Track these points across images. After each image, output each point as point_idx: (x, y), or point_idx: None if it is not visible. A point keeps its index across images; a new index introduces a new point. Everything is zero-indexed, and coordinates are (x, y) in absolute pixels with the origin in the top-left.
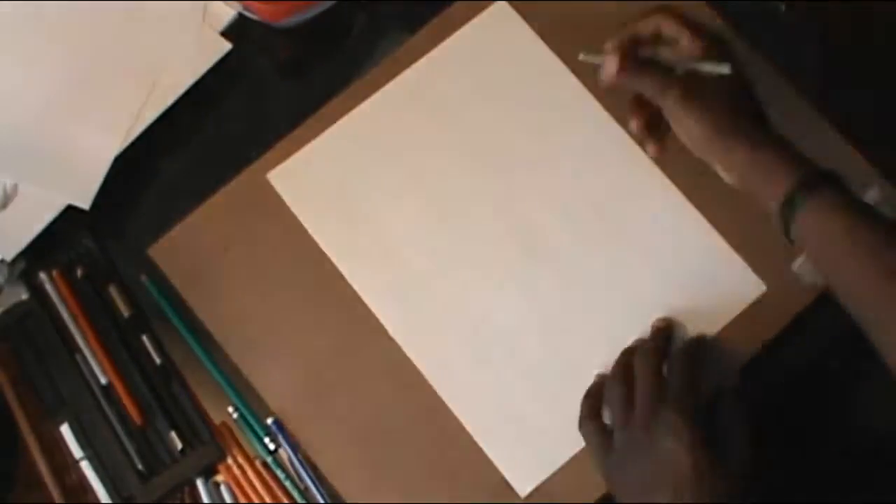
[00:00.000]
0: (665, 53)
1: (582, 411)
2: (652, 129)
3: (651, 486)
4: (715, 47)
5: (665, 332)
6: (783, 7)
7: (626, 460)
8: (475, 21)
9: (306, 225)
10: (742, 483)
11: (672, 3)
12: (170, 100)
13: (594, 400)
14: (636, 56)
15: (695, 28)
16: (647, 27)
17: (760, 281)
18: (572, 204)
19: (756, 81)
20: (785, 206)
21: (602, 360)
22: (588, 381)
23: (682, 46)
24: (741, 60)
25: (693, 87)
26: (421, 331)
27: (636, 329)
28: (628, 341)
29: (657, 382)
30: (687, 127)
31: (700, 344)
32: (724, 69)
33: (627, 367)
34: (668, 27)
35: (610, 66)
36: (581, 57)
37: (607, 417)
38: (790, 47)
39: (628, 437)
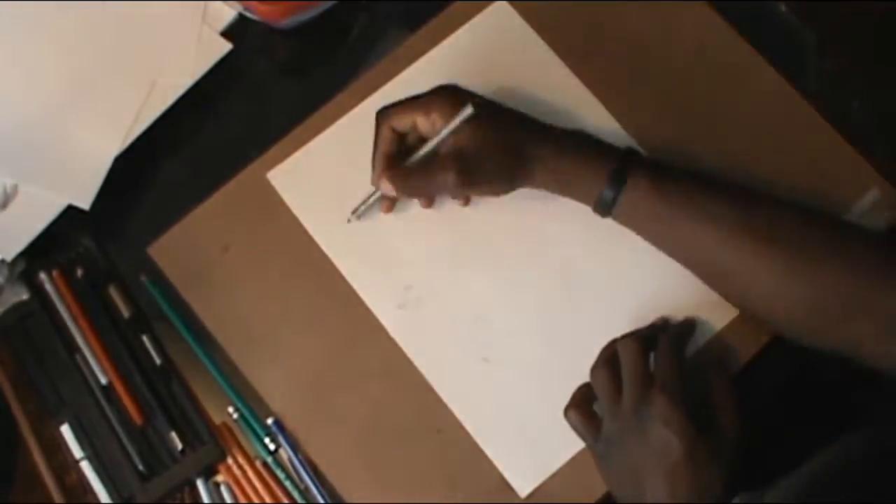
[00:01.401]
0: (418, 139)
1: (570, 401)
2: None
3: (643, 473)
4: (447, 100)
5: (655, 325)
6: (783, 7)
7: (615, 447)
8: (475, 20)
9: (306, 224)
10: (734, 466)
11: (387, 106)
12: (170, 100)
13: (583, 390)
14: (407, 169)
15: (417, 107)
16: (387, 142)
17: None
18: (572, 203)
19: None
20: (598, 204)
21: None
22: (586, 379)
23: (422, 128)
24: (480, 97)
25: (461, 160)
26: (421, 331)
27: (636, 327)
28: None
29: (643, 367)
30: (482, 192)
31: (686, 327)
32: (468, 110)
33: (612, 354)
34: (398, 124)
35: (386, 186)
36: (350, 220)
37: (597, 407)
38: (790, 47)
39: (617, 425)
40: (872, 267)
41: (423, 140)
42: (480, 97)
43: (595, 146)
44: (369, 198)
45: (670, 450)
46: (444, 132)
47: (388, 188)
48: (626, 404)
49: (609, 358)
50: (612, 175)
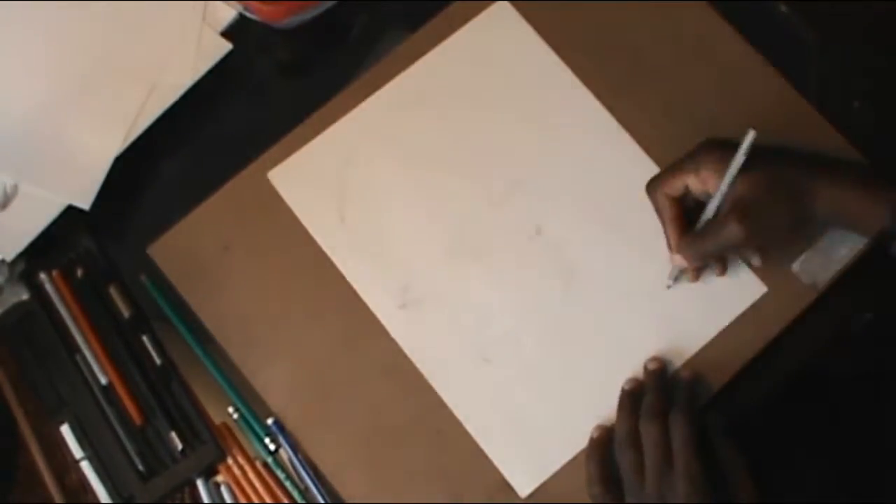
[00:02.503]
0: (700, 193)
1: (589, 473)
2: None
3: None
4: (713, 160)
5: (660, 376)
6: (783, 7)
7: None
8: (476, 20)
9: (306, 224)
10: None
11: (654, 177)
12: (170, 100)
13: (600, 460)
14: (695, 236)
15: (685, 168)
16: (667, 210)
17: (761, 282)
18: (573, 203)
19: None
20: (884, 238)
21: (602, 359)
22: (588, 381)
23: (694, 188)
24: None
25: (745, 212)
26: (421, 331)
27: (636, 327)
28: (627, 340)
29: (665, 449)
30: (772, 241)
31: (694, 392)
32: (751, 135)
33: (636, 432)
34: (671, 190)
35: (680, 263)
36: (669, 286)
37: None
38: (790, 47)
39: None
40: None
41: (698, 202)
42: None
43: (870, 176)
44: (674, 269)
45: None
46: (728, 177)
47: (680, 261)
48: (649, 488)
49: (633, 433)
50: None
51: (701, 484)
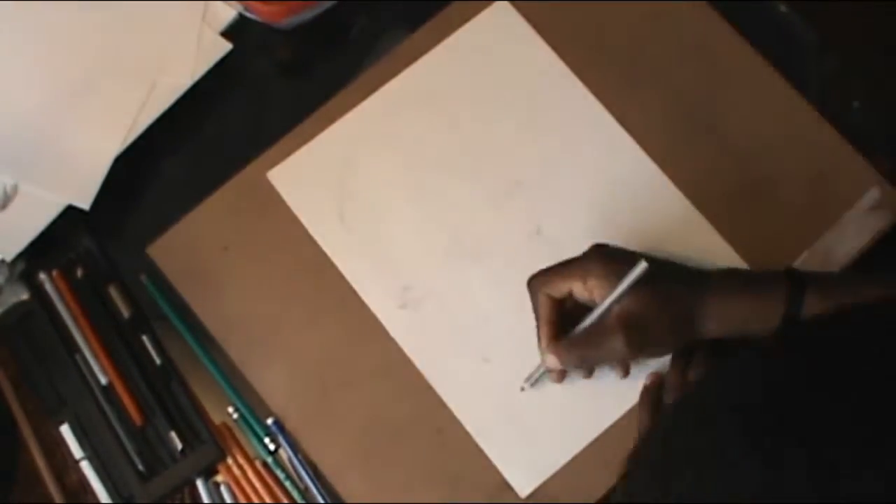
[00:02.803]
0: (583, 300)
1: (641, 421)
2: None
3: None
4: (603, 269)
5: (683, 371)
6: (783, 7)
7: None
8: (475, 20)
9: (306, 224)
10: None
11: (538, 273)
12: (170, 100)
13: (651, 408)
14: (572, 340)
15: (572, 272)
16: (546, 310)
17: None
18: (572, 202)
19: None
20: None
21: None
22: (589, 381)
23: (578, 294)
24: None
25: (630, 325)
26: (421, 331)
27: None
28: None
29: None
30: (654, 356)
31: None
32: (641, 266)
33: (654, 423)
34: (553, 291)
35: (551, 360)
36: (523, 388)
37: None
38: (790, 47)
39: None
40: None
41: (580, 305)
42: (633, 253)
43: (757, 283)
44: (538, 369)
45: None
46: (613, 297)
47: (553, 362)
48: None
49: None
50: (788, 305)
51: None
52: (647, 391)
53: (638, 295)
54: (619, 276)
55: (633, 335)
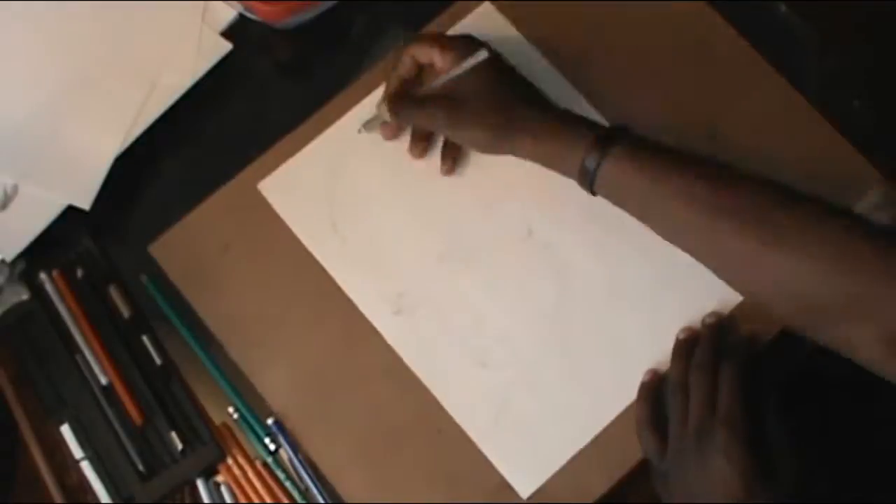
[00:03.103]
0: (430, 79)
1: (639, 414)
2: (443, 151)
3: (698, 499)
4: (467, 46)
5: (716, 329)
6: (783, 7)
7: (676, 469)
8: (463, 22)
9: (298, 234)
10: (788, 500)
11: (416, 34)
12: (170, 100)
13: (650, 400)
14: (408, 96)
15: (440, 42)
16: (405, 67)
17: None
18: (563, 203)
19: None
20: (581, 175)
21: (600, 358)
22: (586, 379)
23: (438, 65)
24: (495, 51)
25: (456, 103)
26: (417, 337)
27: (635, 325)
28: (624, 339)
29: (710, 397)
30: (466, 140)
31: (750, 352)
32: (482, 54)
33: (686, 379)
34: (420, 54)
35: (383, 109)
36: (360, 131)
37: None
38: (790, 47)
39: (680, 449)
40: (875, 267)
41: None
42: (499, 54)
43: (582, 121)
44: (374, 116)
45: (729, 484)
46: (455, 71)
47: (384, 110)
48: (689, 432)
49: (684, 379)
50: (593, 145)
51: (740, 436)
52: (645, 387)
53: (474, 79)
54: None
55: (454, 108)
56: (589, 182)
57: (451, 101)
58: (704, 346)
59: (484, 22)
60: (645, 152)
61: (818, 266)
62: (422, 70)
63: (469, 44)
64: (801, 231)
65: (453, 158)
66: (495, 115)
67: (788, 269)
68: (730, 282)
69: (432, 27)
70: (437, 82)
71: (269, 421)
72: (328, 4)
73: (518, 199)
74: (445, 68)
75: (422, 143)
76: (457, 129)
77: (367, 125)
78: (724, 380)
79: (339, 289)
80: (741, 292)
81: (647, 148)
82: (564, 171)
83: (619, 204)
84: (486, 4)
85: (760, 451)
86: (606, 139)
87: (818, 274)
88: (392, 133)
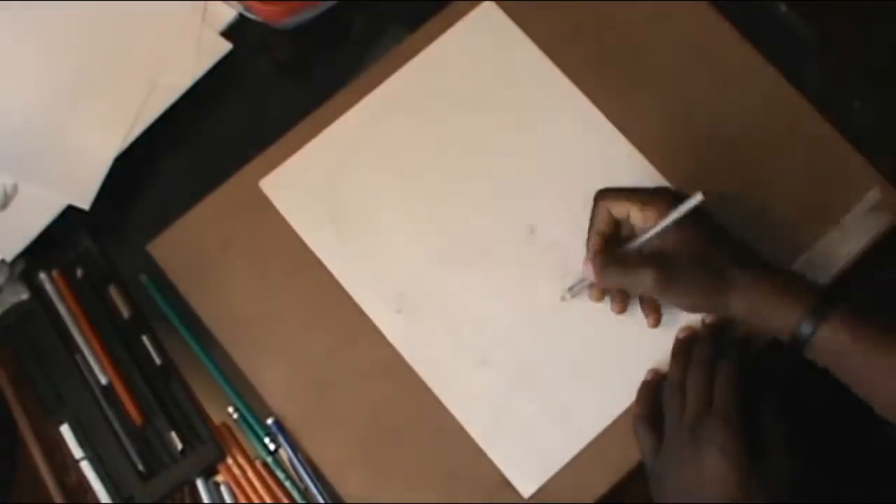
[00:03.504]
0: (637, 228)
1: (636, 409)
2: (644, 306)
3: (693, 496)
4: (667, 199)
5: (715, 328)
6: (783, 7)
7: (670, 465)
8: (464, 21)
9: (300, 232)
10: (782, 500)
11: (610, 189)
12: (170, 100)
13: (648, 398)
14: (612, 256)
15: (639, 198)
16: (603, 222)
17: None
18: (565, 201)
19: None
20: (795, 341)
21: (601, 357)
22: (588, 378)
23: (636, 221)
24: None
25: (663, 266)
26: (418, 336)
27: (634, 325)
28: (626, 338)
29: (706, 394)
30: (675, 302)
31: (748, 351)
32: (698, 196)
33: (684, 376)
34: (615, 209)
35: (587, 274)
36: (564, 298)
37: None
38: (790, 47)
39: (676, 441)
40: None
41: (632, 235)
42: (705, 209)
43: (798, 283)
44: (580, 281)
45: (723, 479)
46: (666, 222)
47: (588, 271)
48: (684, 428)
49: (681, 375)
50: (808, 313)
51: (735, 431)
52: (645, 385)
53: (681, 234)
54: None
55: (663, 271)
56: (800, 348)
57: (658, 264)
58: (702, 345)
59: (485, 20)
60: (863, 323)
61: None
62: (622, 224)
63: (670, 196)
64: None
65: (656, 310)
66: (707, 278)
67: None
68: None
69: (433, 25)
70: (642, 239)
71: (269, 421)
72: (328, 4)
73: (520, 197)
74: (644, 224)
75: (625, 301)
76: (666, 294)
77: (573, 290)
78: (720, 376)
79: (339, 287)
80: None
81: (867, 318)
82: (777, 334)
83: (835, 372)
84: (488, 3)
85: (755, 448)
86: (824, 306)
87: None
88: (600, 296)
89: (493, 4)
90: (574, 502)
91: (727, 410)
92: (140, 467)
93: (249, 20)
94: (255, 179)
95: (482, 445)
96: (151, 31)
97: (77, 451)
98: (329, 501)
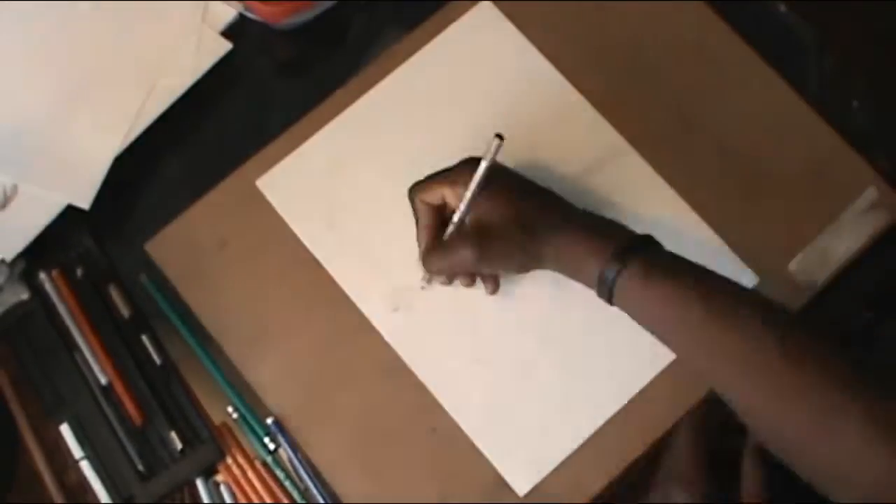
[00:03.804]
0: (455, 207)
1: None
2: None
3: None
4: (469, 165)
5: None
6: (783, 7)
7: None
8: (461, 20)
9: (296, 231)
10: None
11: (417, 182)
12: (170, 100)
13: None
14: (434, 245)
15: (443, 177)
16: (426, 216)
17: (753, 274)
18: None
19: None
20: (600, 287)
21: (598, 357)
22: (583, 378)
23: (451, 202)
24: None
25: (480, 235)
26: (413, 334)
27: (629, 325)
28: (620, 338)
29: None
30: (500, 269)
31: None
32: (482, 165)
33: None
34: (429, 198)
35: (423, 272)
36: (423, 287)
37: None
38: (790, 47)
39: None
40: (845, 369)
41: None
42: (500, 165)
43: (604, 228)
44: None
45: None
46: (467, 196)
47: (422, 273)
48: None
49: None
50: (611, 258)
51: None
52: None
53: (490, 200)
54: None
55: (482, 243)
56: (607, 294)
57: (474, 237)
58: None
59: (483, 20)
60: (659, 272)
61: (801, 382)
62: (443, 208)
63: (472, 164)
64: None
65: (494, 280)
66: (521, 237)
67: (772, 387)
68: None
69: (430, 25)
70: (456, 219)
71: (269, 421)
72: (327, 4)
73: None
74: (460, 200)
75: (469, 279)
76: (487, 263)
77: (426, 279)
78: (682, 443)
79: (336, 286)
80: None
81: (665, 266)
82: (585, 282)
83: (635, 319)
84: (485, 2)
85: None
86: (626, 251)
87: (801, 389)
88: (470, 283)
89: (491, 4)
90: (569, 502)
91: (692, 478)
92: (140, 467)
93: (249, 20)
94: (252, 178)
95: (478, 444)
96: (151, 32)
97: (77, 451)
98: (328, 501)
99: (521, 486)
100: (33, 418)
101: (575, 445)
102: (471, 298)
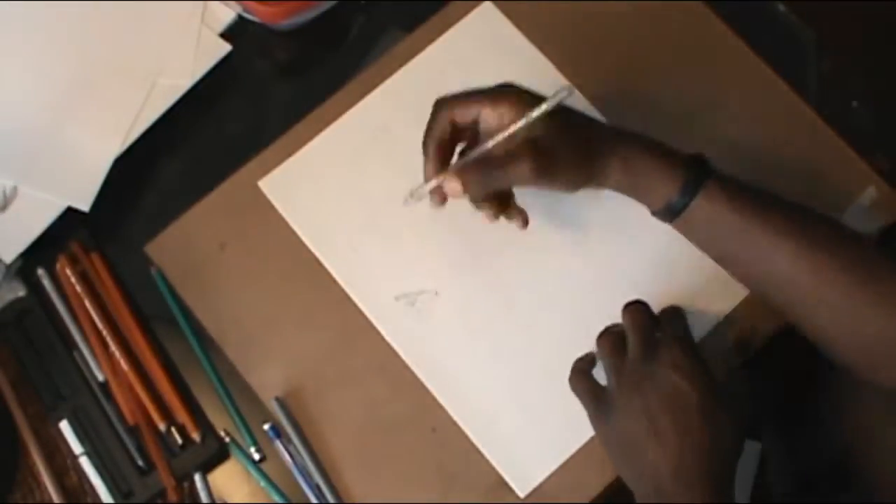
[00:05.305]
0: (481, 135)
1: (571, 372)
2: (504, 206)
3: (652, 423)
4: (517, 98)
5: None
6: (782, 7)
7: (619, 406)
8: (464, 21)
9: (298, 231)
10: (744, 412)
11: (451, 95)
12: (169, 101)
13: (583, 362)
14: (481, 164)
15: (488, 96)
16: (442, 130)
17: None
18: (564, 201)
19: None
20: (667, 208)
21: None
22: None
23: (489, 122)
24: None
25: (540, 149)
26: (414, 334)
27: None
28: None
29: (650, 325)
30: (559, 182)
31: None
32: (563, 92)
33: (615, 328)
34: (461, 115)
35: (453, 186)
36: (406, 203)
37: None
38: (790, 47)
39: (622, 379)
40: None
41: (477, 138)
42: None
43: (668, 151)
44: (421, 187)
45: (682, 396)
46: (536, 114)
47: (454, 188)
48: (631, 355)
49: (612, 329)
50: (686, 183)
51: (691, 350)
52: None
53: (551, 125)
54: (532, 105)
55: (541, 160)
56: (670, 216)
57: (532, 150)
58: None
59: (484, 21)
60: (738, 193)
61: None
62: (463, 130)
63: (519, 91)
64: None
65: (523, 215)
66: (584, 154)
67: (876, 304)
68: (804, 319)
69: (431, 26)
70: (498, 138)
71: (266, 426)
72: (327, 5)
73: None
74: (499, 123)
75: (495, 203)
76: (547, 178)
77: (414, 194)
78: (664, 314)
79: (336, 286)
80: (807, 330)
81: (740, 185)
82: (647, 202)
83: (698, 238)
84: (487, 3)
85: (714, 381)
86: (698, 178)
87: None
88: (443, 201)
89: (492, 5)
90: (570, 502)
91: (677, 333)
92: (139, 462)
93: (249, 21)
94: (253, 180)
95: (479, 445)
96: (151, 33)
97: (76, 447)
98: (328, 501)
99: (522, 487)
100: (33, 419)
101: (576, 447)
102: (471, 299)
